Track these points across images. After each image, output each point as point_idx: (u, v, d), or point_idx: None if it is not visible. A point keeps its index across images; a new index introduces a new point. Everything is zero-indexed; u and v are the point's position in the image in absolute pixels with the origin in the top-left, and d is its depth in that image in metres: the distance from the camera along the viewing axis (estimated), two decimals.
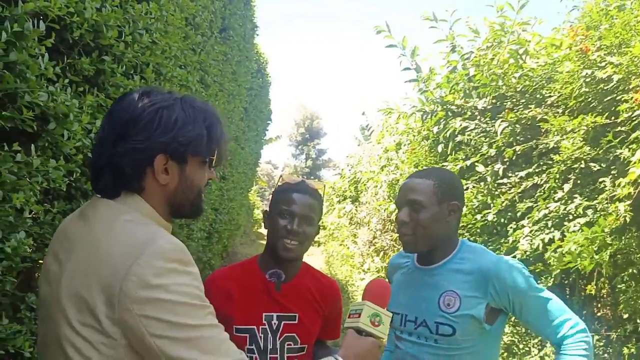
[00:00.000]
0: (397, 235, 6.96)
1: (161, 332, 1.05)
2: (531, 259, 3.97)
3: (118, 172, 1.18)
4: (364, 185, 10.42)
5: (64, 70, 2.07)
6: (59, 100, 1.93)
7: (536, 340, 4.43)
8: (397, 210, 1.90)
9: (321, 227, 15.65)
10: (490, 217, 4.10)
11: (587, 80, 3.63)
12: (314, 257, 13.52)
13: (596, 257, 3.10)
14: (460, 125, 4.64)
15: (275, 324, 1.83)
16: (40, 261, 1.95)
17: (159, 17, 3.02)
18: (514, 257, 4.01)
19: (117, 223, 1.14)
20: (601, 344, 4.31)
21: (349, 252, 11.29)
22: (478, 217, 4.18)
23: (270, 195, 1.99)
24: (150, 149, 1.18)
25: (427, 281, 1.85)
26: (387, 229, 9.04)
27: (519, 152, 4.17)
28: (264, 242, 1.97)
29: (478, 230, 4.40)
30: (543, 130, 4.05)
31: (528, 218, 3.84)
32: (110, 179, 1.20)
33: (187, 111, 1.23)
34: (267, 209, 1.95)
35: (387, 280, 2.15)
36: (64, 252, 1.18)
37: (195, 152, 1.24)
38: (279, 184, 1.95)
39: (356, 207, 11.68)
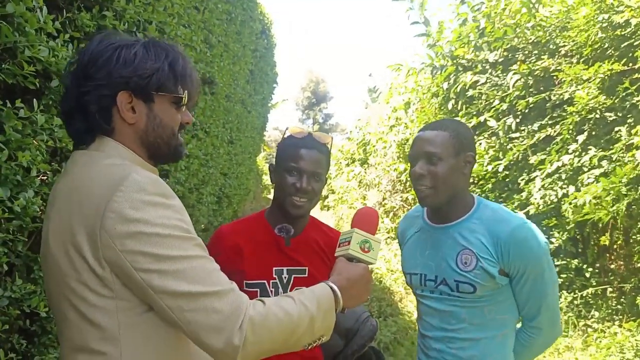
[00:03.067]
0: (406, 195, 6.91)
1: (147, 266, 1.04)
2: (544, 213, 3.93)
3: (85, 113, 1.17)
4: (373, 146, 10.35)
5: (64, 25, 2.00)
6: (61, 56, 1.88)
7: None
8: (407, 170, 1.85)
9: (330, 192, 15.67)
10: (501, 169, 4.03)
11: (604, 25, 3.50)
12: (323, 221, 13.51)
13: (613, 208, 3.04)
14: (471, 79, 4.53)
15: (285, 277, 1.82)
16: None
17: None
18: (527, 212, 3.97)
19: (94, 167, 1.14)
20: (614, 295, 4.32)
21: None
22: (489, 167, 4.12)
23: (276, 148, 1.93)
24: (111, 85, 1.15)
25: (444, 240, 1.81)
26: (397, 189, 9.02)
27: (531, 105, 4.08)
28: None
29: (490, 186, 4.36)
30: (557, 82, 3.95)
31: (540, 170, 3.78)
32: (79, 122, 1.18)
33: (148, 48, 1.19)
34: (274, 162, 1.90)
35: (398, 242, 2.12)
36: (49, 208, 1.19)
37: (158, 88, 1.19)
38: (285, 136, 1.88)
39: (365, 169, 11.64)
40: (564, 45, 4.00)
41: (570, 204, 3.38)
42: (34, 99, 1.79)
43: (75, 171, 1.16)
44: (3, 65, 1.62)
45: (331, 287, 1.27)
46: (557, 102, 3.94)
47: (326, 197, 16.34)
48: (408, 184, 7.91)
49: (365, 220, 1.47)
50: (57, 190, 1.18)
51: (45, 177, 2.00)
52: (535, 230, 1.72)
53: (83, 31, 2.15)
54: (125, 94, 1.16)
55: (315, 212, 14.61)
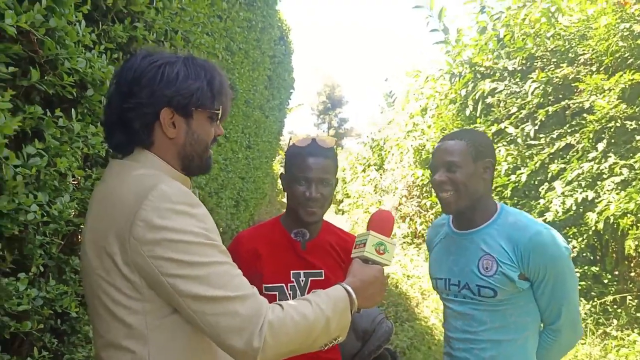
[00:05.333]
0: (424, 200, 6.89)
1: (172, 271, 1.10)
2: (562, 221, 3.93)
3: (127, 127, 1.24)
4: (388, 151, 10.37)
5: (99, 37, 2.08)
6: (96, 66, 1.95)
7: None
8: (423, 176, 1.92)
9: (345, 196, 15.68)
10: (523, 178, 4.05)
11: (625, 34, 3.51)
12: (338, 225, 13.51)
13: None
14: (490, 86, 4.56)
15: (302, 280, 1.87)
16: (82, 226, 2.01)
17: None
18: (545, 220, 3.98)
19: (128, 177, 1.21)
20: (634, 303, 4.30)
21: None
22: (512, 177, 4.14)
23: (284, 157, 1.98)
24: (155, 103, 1.22)
25: (467, 245, 1.87)
26: (413, 195, 9.02)
27: (550, 113, 4.09)
28: None
29: (509, 193, 4.37)
30: (576, 90, 3.96)
31: (561, 179, 3.79)
32: (121, 135, 1.26)
33: (188, 66, 1.27)
34: (283, 170, 1.94)
35: (427, 246, 2.17)
36: (88, 212, 1.28)
37: (198, 105, 1.27)
38: (290, 145, 1.92)
39: (380, 174, 11.65)
40: (584, 54, 4.01)
41: (595, 212, 3.38)
42: (72, 108, 1.87)
43: (110, 180, 1.25)
44: (45, 77, 1.69)
45: (346, 289, 1.32)
46: (577, 110, 3.94)
47: (341, 201, 16.36)
48: (425, 189, 7.93)
49: (381, 222, 1.52)
50: (94, 197, 1.27)
51: (76, 182, 2.08)
52: (556, 236, 1.76)
53: (116, 42, 2.23)
54: (167, 111, 1.23)
55: (330, 216, 14.66)
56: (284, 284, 1.85)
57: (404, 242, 8.93)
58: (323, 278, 1.88)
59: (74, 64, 1.79)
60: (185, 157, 1.30)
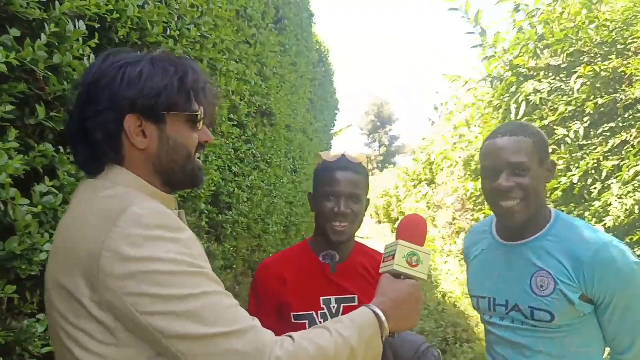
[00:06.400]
0: (477, 214, 6.58)
1: (152, 309, 0.92)
2: (625, 225, 3.63)
3: (90, 140, 1.07)
4: (439, 166, 10.12)
5: None
6: None
7: None
8: (474, 189, 1.72)
9: (400, 214, 15.42)
10: (576, 180, 3.78)
11: None
12: None
13: None
14: (533, 88, 4.33)
15: (334, 307, 1.73)
16: None
17: (207, 10, 3.02)
18: (605, 225, 3.67)
19: (94, 201, 1.03)
20: None
21: (429, 236, 10.98)
22: (563, 179, 3.87)
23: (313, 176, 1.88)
24: (116, 109, 1.05)
25: (515, 259, 1.63)
26: (467, 208, 8.72)
27: (601, 109, 3.82)
28: None
29: (560, 196, 4.08)
30: (626, 82, 3.68)
31: (616, 178, 3.50)
32: (85, 150, 1.08)
33: (155, 64, 1.09)
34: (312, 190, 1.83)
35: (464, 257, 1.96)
36: (52, 248, 1.09)
37: (168, 107, 1.08)
38: (318, 162, 1.81)
39: (433, 189, 11.39)
40: (634, 42, 3.73)
41: None
42: None
43: (75, 206, 1.08)
44: (51, 114, 1.68)
45: (374, 312, 1.13)
46: (629, 103, 3.66)
47: (396, 219, 16.12)
48: (477, 201, 7.64)
49: (412, 229, 1.32)
50: (59, 228, 1.08)
51: None
52: (626, 251, 1.49)
53: None
54: (133, 117, 1.06)
55: (387, 235, 14.39)
56: (314, 312, 1.72)
57: (462, 259, 8.62)
58: (356, 303, 1.73)
59: None
60: (163, 170, 1.12)
